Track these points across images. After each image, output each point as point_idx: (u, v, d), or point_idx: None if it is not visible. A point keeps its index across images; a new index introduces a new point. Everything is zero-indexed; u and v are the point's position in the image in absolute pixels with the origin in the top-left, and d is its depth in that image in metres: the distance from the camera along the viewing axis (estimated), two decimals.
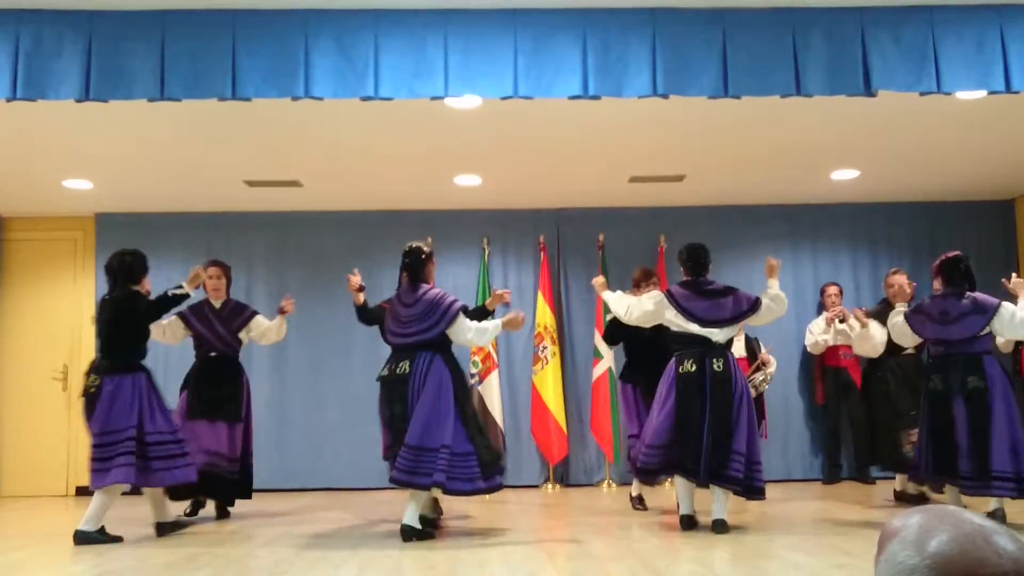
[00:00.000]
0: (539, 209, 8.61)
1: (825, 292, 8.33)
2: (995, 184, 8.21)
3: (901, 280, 6.42)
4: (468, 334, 5.34)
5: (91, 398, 5.34)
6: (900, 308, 5.72)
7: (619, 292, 5.93)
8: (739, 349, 8.15)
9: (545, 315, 8.31)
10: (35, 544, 5.35)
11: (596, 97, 4.55)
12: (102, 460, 5.20)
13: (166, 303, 5.45)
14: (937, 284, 5.61)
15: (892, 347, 6.34)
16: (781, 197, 8.46)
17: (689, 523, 5.33)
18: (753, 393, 7.76)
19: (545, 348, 8.28)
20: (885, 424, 6.46)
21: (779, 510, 6.36)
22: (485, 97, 4.71)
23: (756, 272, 8.46)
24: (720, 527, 5.20)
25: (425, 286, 5.43)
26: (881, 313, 6.56)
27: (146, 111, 5.43)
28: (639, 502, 6.45)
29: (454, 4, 4.54)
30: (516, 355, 8.50)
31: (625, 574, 4.09)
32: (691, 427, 5.21)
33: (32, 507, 7.41)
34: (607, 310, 7.87)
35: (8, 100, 4.48)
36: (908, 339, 5.72)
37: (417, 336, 5.30)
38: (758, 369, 7.93)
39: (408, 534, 5.12)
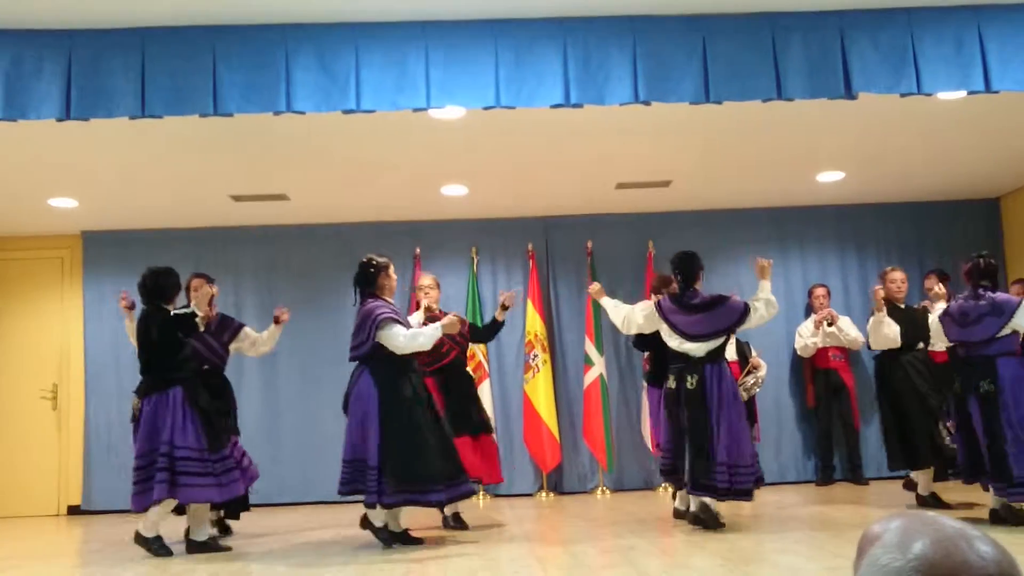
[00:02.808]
0: (527, 217, 8.61)
1: (813, 294, 8.36)
2: (980, 183, 8.25)
3: (899, 276, 6.60)
4: (398, 340, 5.25)
5: (136, 421, 5.44)
6: (939, 306, 5.65)
7: (616, 301, 5.85)
8: (730, 353, 8.14)
9: (535, 323, 8.31)
10: (28, 564, 5.31)
11: (578, 105, 4.56)
12: (142, 482, 5.28)
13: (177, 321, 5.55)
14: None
15: (906, 342, 6.29)
16: (768, 200, 8.49)
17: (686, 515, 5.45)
18: (744, 397, 7.79)
19: (536, 356, 8.27)
20: (918, 420, 6.18)
21: (772, 513, 6.36)
22: (467, 108, 4.72)
23: (745, 276, 8.50)
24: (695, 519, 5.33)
25: (368, 301, 5.40)
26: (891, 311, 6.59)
27: (129, 128, 5.42)
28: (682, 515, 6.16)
29: (434, 16, 4.55)
30: (507, 364, 8.50)
31: None
32: (679, 440, 5.43)
33: (23, 527, 7.37)
34: (598, 315, 7.87)
35: None
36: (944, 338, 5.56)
37: (353, 352, 5.34)
38: (749, 373, 7.94)
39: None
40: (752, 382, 7.81)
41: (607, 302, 5.82)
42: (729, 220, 8.66)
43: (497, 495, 8.29)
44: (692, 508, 5.53)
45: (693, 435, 5.32)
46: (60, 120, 4.49)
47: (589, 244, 8.53)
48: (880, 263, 8.47)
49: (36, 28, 4.45)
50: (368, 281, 5.46)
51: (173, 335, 5.55)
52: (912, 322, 6.32)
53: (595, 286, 5.98)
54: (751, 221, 8.67)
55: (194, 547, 5.46)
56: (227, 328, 6.26)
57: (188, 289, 6.37)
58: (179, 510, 5.62)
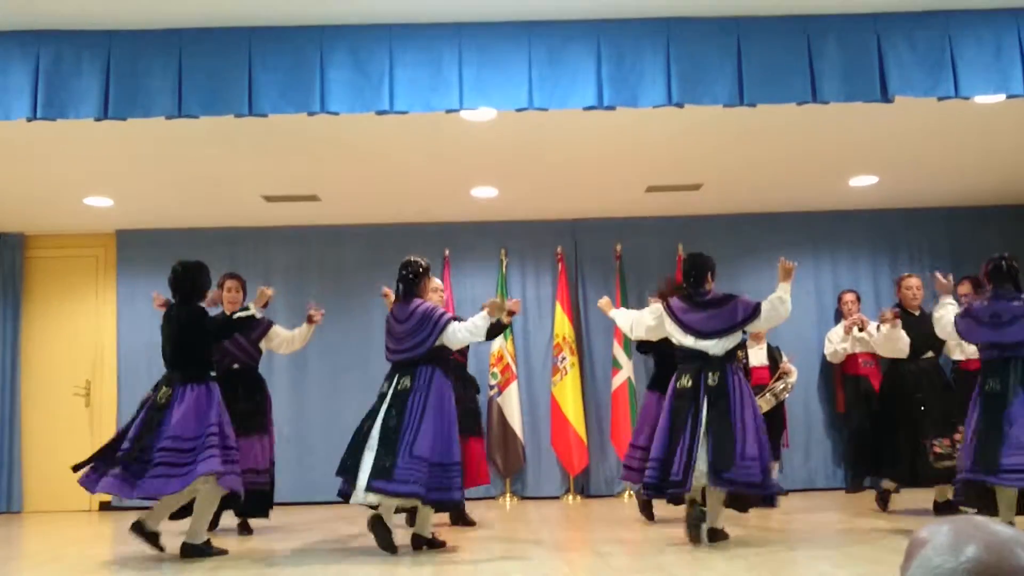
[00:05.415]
0: (556, 220, 8.61)
1: (842, 300, 8.27)
2: (1014, 188, 8.15)
3: (915, 283, 6.56)
4: (459, 334, 5.33)
5: (160, 409, 5.24)
6: (947, 301, 5.52)
7: (623, 309, 6.10)
8: (760, 358, 8.11)
9: (563, 326, 8.31)
10: (60, 559, 5.38)
11: (611, 107, 4.55)
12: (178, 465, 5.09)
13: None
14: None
15: (913, 351, 6.32)
16: (799, 204, 8.43)
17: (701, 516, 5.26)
18: (774, 402, 7.74)
19: (564, 359, 8.27)
20: (911, 432, 6.23)
21: (802, 520, 6.31)
22: (500, 109, 4.72)
23: (775, 280, 8.43)
24: (714, 536, 5.17)
25: (417, 300, 5.44)
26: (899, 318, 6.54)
27: (165, 128, 5.47)
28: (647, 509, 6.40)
29: (468, 17, 4.56)
30: (535, 366, 8.50)
31: None
32: (675, 443, 5.18)
33: (55, 522, 7.46)
34: None
35: (29, 120, 4.53)
36: (954, 335, 5.52)
37: (409, 352, 5.31)
38: (779, 378, 7.89)
39: (420, 542, 5.24)
40: (782, 387, 7.75)
41: (615, 313, 6.04)
42: (760, 224, 8.61)
43: (524, 497, 8.29)
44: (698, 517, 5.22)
45: (714, 430, 5.11)
46: (98, 119, 4.54)
47: (618, 247, 8.51)
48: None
49: (76, 28, 4.51)
50: (416, 282, 5.49)
51: (219, 340, 5.71)
52: (923, 330, 6.28)
53: (604, 300, 6.20)
54: (782, 225, 8.61)
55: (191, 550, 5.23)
56: (257, 326, 6.30)
57: (222, 288, 6.44)
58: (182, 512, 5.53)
